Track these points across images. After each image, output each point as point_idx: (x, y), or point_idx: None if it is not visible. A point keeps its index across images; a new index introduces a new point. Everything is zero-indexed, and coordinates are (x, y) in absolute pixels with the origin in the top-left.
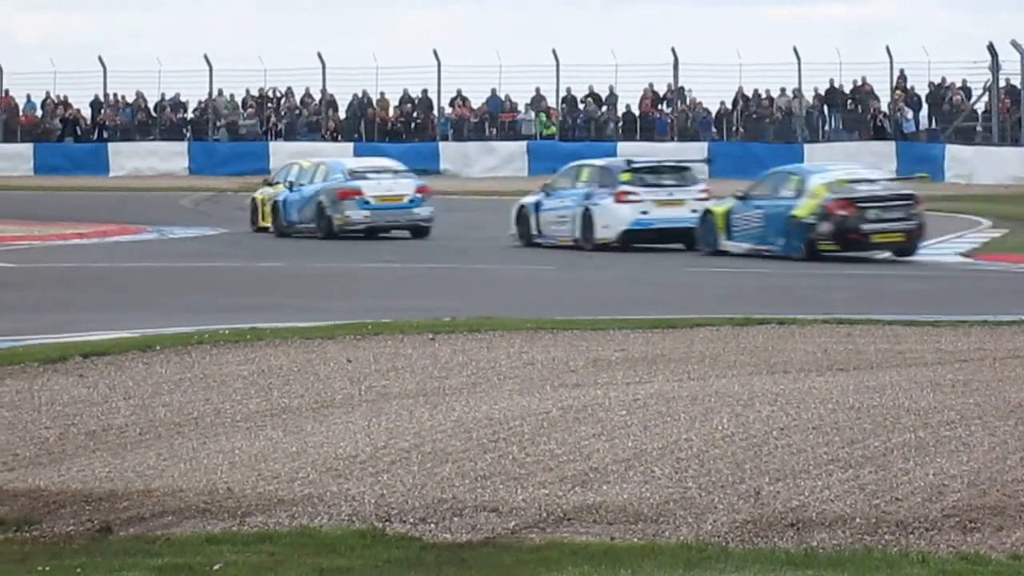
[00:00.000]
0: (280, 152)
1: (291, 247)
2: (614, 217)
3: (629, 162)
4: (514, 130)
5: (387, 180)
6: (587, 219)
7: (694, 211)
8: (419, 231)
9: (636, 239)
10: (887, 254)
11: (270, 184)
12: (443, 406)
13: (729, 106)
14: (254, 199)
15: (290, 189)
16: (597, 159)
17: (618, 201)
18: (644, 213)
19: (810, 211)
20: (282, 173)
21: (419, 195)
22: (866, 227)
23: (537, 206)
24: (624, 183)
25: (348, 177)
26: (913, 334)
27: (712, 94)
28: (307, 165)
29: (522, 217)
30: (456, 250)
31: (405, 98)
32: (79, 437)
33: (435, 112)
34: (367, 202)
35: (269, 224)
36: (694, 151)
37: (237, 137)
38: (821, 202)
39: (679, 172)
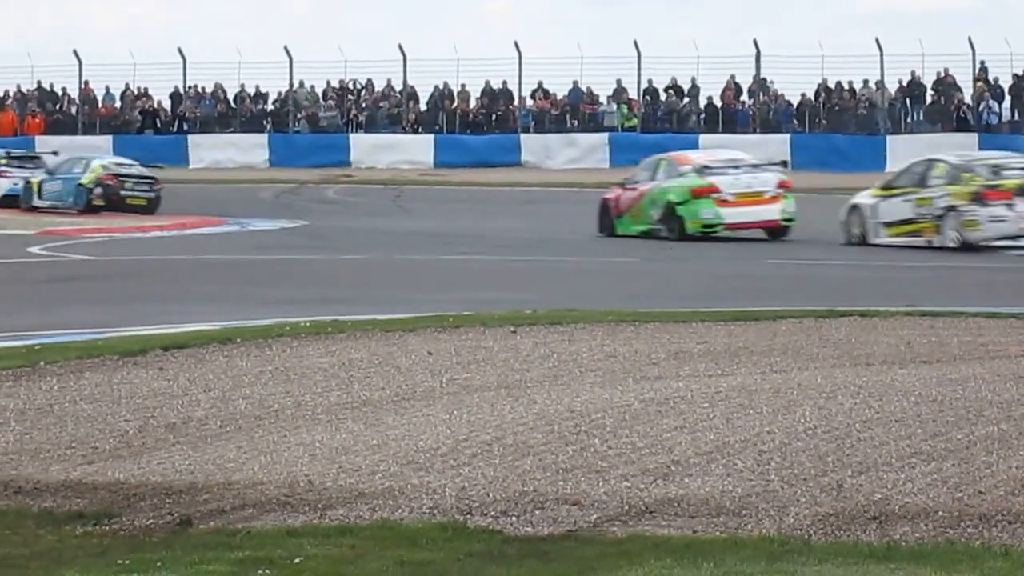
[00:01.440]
0: (360, 144)
1: (366, 240)
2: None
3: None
4: (595, 122)
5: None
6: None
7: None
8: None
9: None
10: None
11: None
12: (524, 399)
13: (811, 98)
14: None
15: None
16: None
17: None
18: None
19: (90, 180)
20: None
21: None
22: (123, 192)
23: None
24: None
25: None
26: (996, 327)
27: (794, 86)
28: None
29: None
30: (536, 242)
31: (486, 90)
32: (159, 430)
33: (516, 104)
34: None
35: None
36: (776, 143)
37: (317, 129)
38: (98, 175)
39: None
